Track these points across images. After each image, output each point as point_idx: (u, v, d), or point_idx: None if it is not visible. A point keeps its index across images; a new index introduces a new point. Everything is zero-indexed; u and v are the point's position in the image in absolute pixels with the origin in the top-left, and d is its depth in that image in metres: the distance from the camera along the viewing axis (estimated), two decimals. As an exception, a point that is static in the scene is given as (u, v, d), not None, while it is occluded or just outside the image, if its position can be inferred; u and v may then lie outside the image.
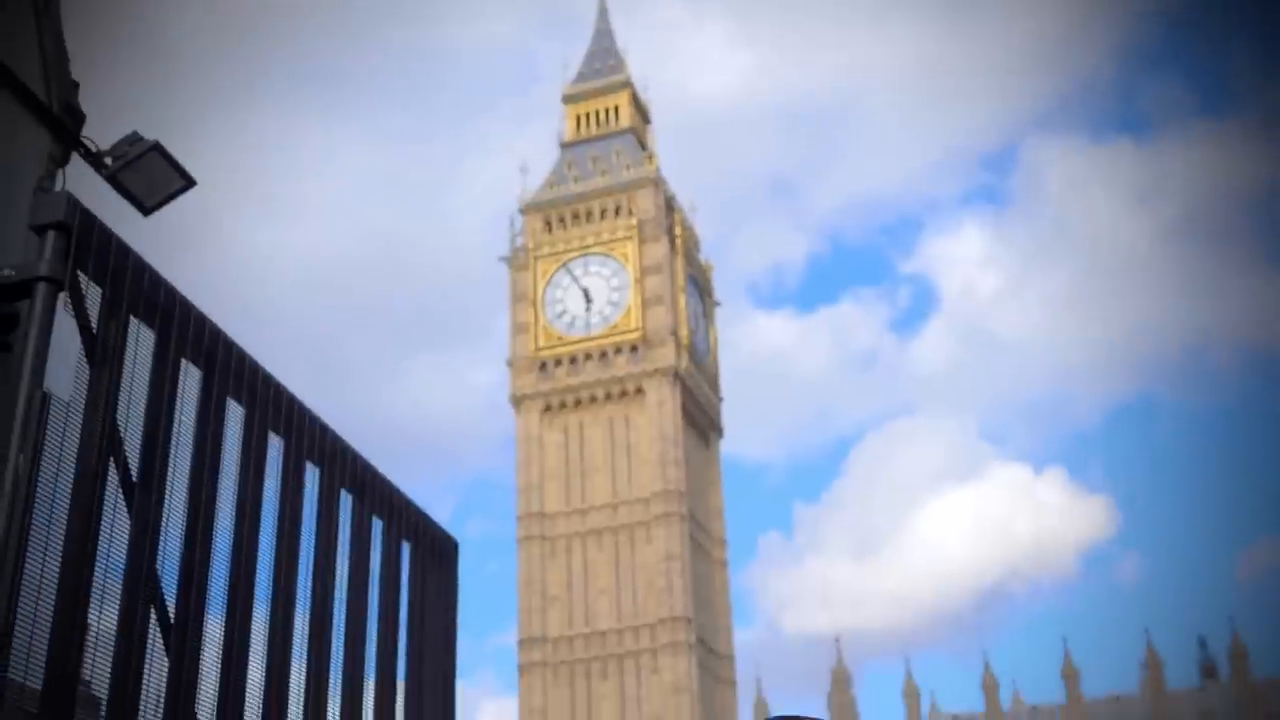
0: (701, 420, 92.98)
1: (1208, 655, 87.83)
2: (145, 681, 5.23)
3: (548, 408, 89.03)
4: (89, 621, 4.99)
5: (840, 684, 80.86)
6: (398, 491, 7.48)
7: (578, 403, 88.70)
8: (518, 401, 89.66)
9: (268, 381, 6.20)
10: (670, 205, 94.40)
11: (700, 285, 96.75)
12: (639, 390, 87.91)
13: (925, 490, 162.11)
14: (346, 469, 6.97)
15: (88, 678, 4.96)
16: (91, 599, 5.00)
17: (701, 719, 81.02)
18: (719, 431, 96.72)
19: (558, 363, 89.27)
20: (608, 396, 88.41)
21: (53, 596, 4.86)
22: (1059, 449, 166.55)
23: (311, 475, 6.66)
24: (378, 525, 7.27)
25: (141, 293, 5.37)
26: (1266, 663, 76.73)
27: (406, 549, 7.56)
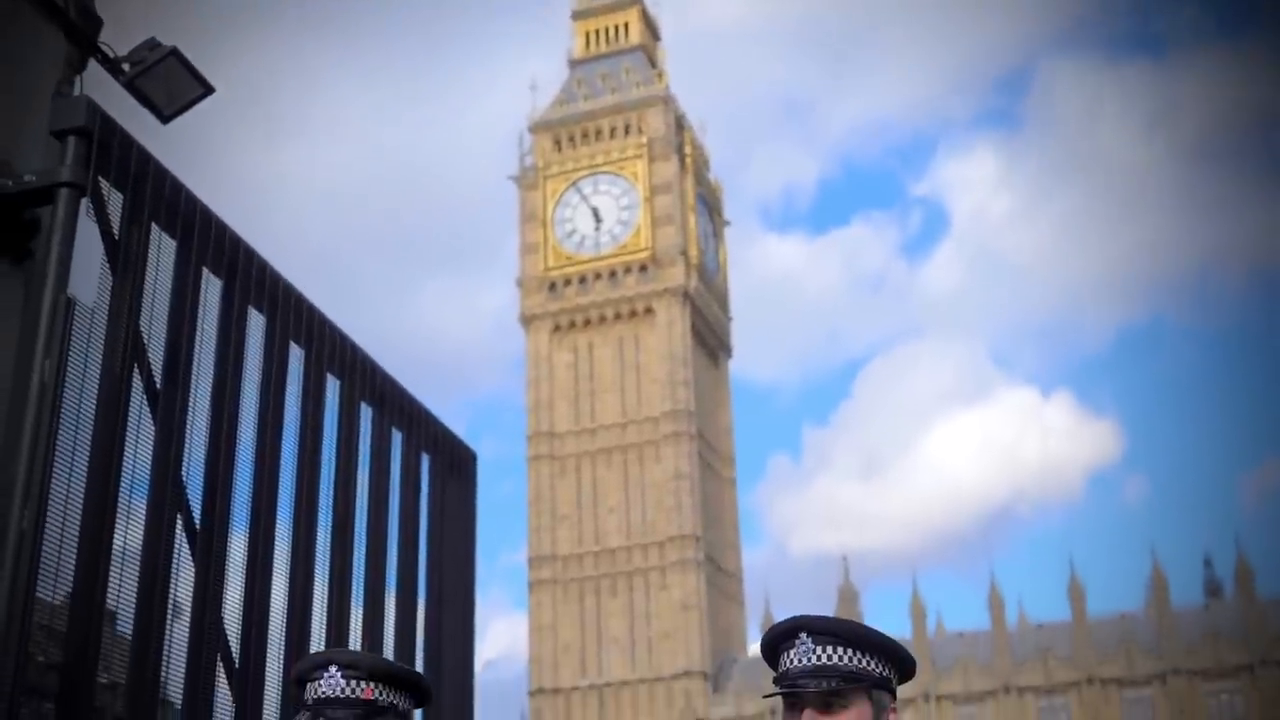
0: (711, 340, 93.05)
1: (1213, 575, 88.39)
2: (172, 590, 5.26)
3: (557, 327, 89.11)
4: (116, 530, 5.01)
5: (847, 601, 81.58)
6: (417, 403, 7.47)
7: (587, 322, 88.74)
8: (527, 321, 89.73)
9: (289, 292, 6.17)
10: (680, 124, 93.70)
11: (710, 204, 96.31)
12: (648, 310, 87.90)
13: (933, 413, 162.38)
14: (366, 380, 6.96)
15: (115, 588, 4.98)
16: (119, 507, 5.02)
17: (710, 636, 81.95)
18: (728, 351, 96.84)
19: (567, 282, 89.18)
20: (617, 316, 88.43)
21: (79, 503, 4.88)
22: (1067, 372, 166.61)
23: (332, 386, 6.65)
24: (397, 437, 7.28)
25: (163, 200, 5.33)
26: (1272, 582, 77.38)
27: (426, 461, 7.57)
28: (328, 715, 2.75)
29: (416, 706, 2.93)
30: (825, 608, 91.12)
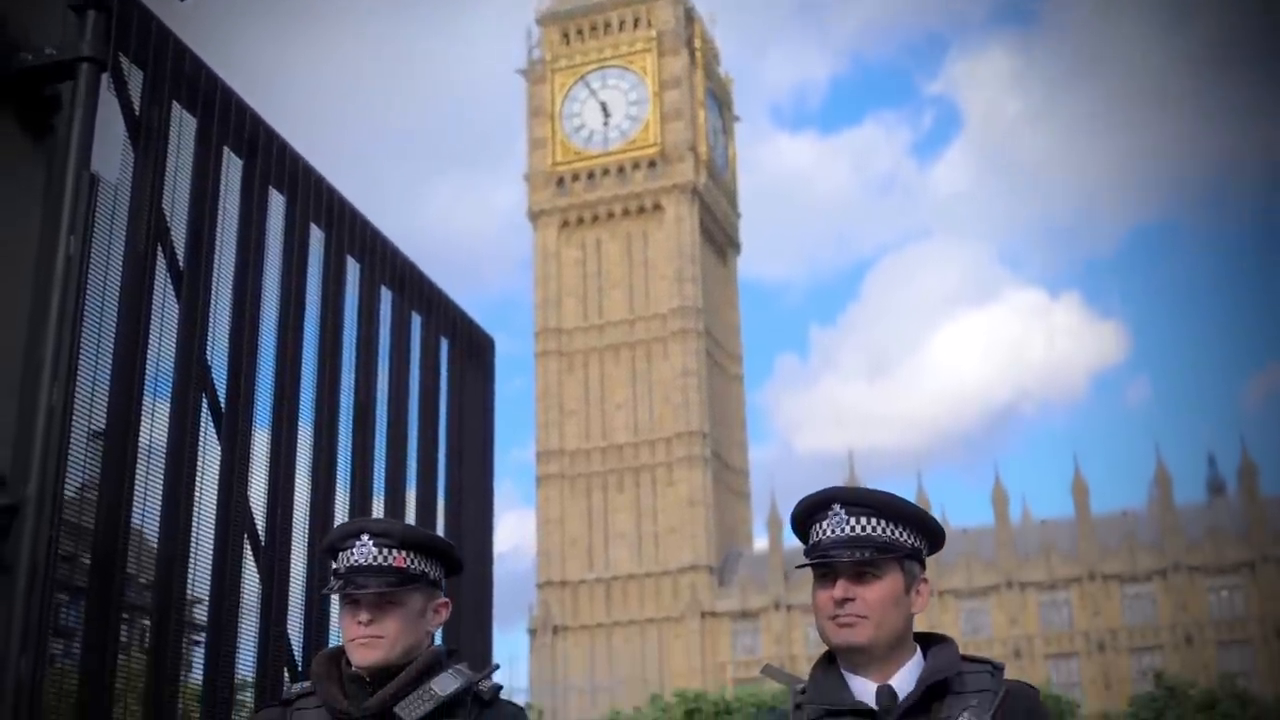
0: (719, 236, 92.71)
1: (1216, 473, 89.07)
2: (200, 470, 5.29)
3: (565, 223, 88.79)
4: (143, 409, 5.02)
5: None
6: (436, 288, 7.46)
7: (595, 218, 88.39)
8: (535, 217, 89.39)
9: (309, 173, 6.13)
10: (690, 17, 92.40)
11: (720, 100, 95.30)
12: (657, 206, 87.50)
13: (940, 313, 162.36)
14: (386, 264, 6.93)
15: (143, 470, 5.01)
16: (145, 389, 5.03)
17: (716, 531, 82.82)
18: (736, 248, 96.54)
19: (575, 178, 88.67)
20: (625, 212, 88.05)
21: (107, 382, 4.88)
22: (1076, 274, 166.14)
23: (352, 269, 6.63)
24: (417, 321, 7.27)
25: (184, 77, 5.27)
26: (1276, 480, 77.82)
27: (445, 346, 7.57)
28: (358, 583, 2.75)
29: (447, 576, 2.93)
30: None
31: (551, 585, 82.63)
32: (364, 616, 2.76)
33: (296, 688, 2.91)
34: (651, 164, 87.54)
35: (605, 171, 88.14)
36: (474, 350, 7.92)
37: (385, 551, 2.78)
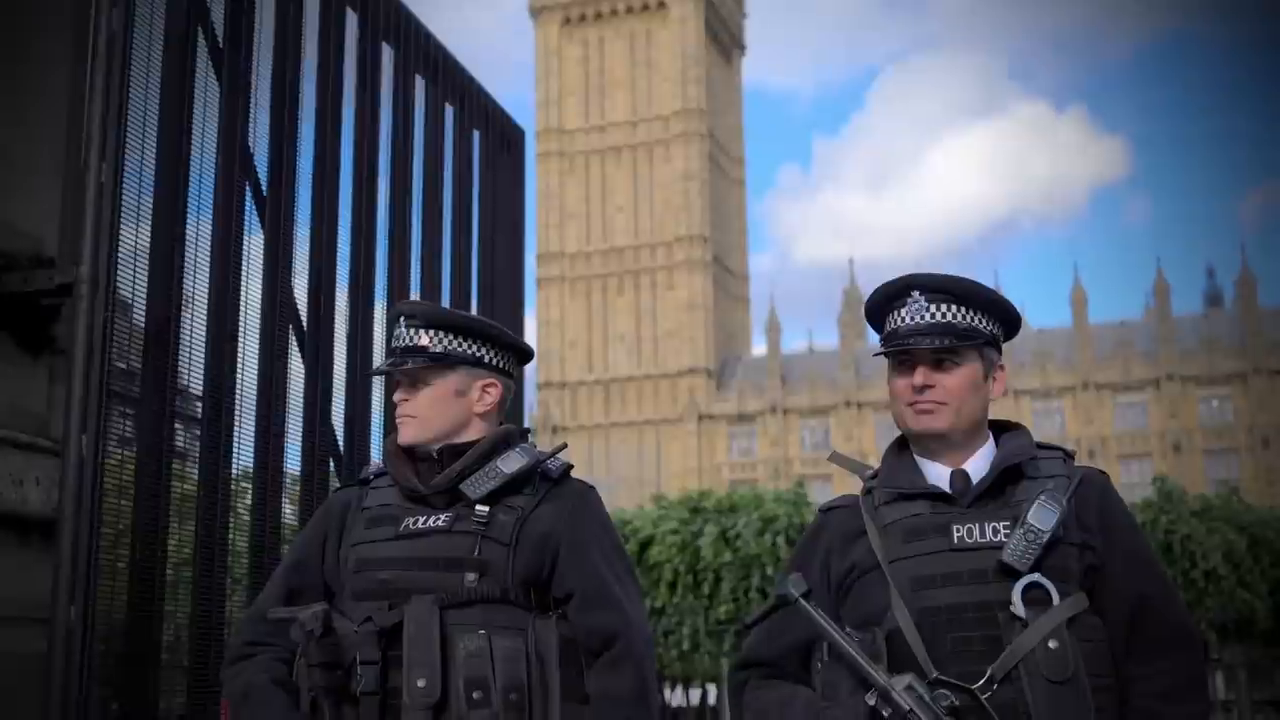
0: (724, 36, 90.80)
1: (1215, 285, 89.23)
2: (245, 257, 5.23)
3: (567, 20, 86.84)
4: (190, 193, 4.94)
5: (852, 304, 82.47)
6: (469, 75, 7.29)
7: (598, 15, 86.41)
8: (536, 13, 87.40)
9: (344, -46, 5.91)
10: None
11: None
12: (661, 4, 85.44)
13: (944, 125, 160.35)
14: (420, 50, 6.76)
15: (190, 258, 4.95)
16: (190, 169, 4.94)
17: (715, 335, 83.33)
18: (742, 49, 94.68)
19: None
20: (629, 10, 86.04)
21: (154, 162, 4.79)
22: (1084, 87, 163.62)
23: (387, 55, 6.47)
24: (450, 112, 7.13)
25: None
26: (1274, 291, 77.96)
27: (477, 137, 7.44)
28: (395, 364, 2.83)
29: (503, 361, 2.92)
30: (830, 311, 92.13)
31: (551, 386, 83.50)
32: (399, 395, 2.85)
33: (373, 468, 2.95)
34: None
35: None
36: (505, 140, 7.80)
37: (413, 332, 2.83)
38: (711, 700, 30.35)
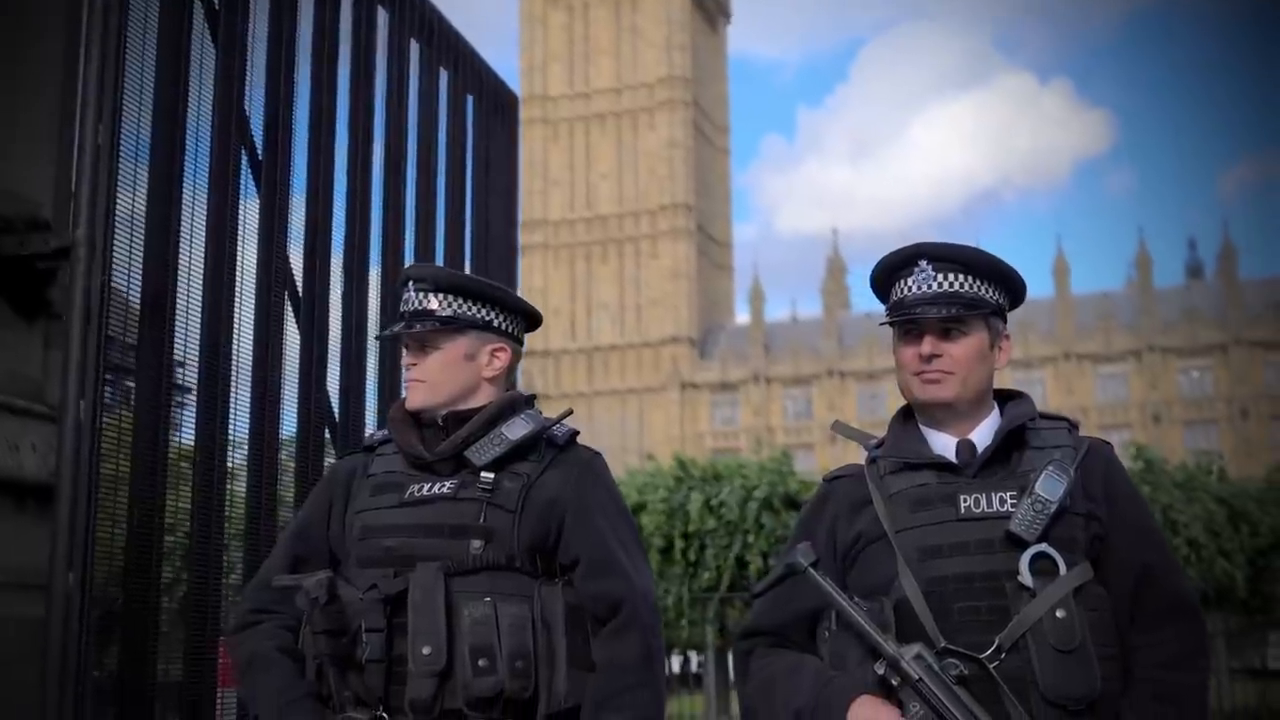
0: (709, 4, 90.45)
1: (1196, 257, 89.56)
2: (241, 222, 5.20)
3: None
4: (185, 160, 4.90)
5: (835, 273, 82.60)
6: (463, 40, 7.24)
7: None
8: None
9: (340, -86, 5.85)
10: None
11: None
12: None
13: (928, 97, 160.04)
14: (415, 14, 6.71)
15: (186, 224, 4.91)
16: (186, 132, 4.90)
17: (699, 304, 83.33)
18: (727, 16, 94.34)
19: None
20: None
21: (149, 126, 4.75)
22: (1069, 60, 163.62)
23: (382, 18, 6.42)
24: (444, 76, 7.08)
25: None
26: (1254, 263, 78.22)
27: (471, 102, 7.41)
28: (406, 327, 2.82)
29: (498, 315, 2.90)
30: (813, 281, 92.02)
31: (534, 354, 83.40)
32: (408, 359, 2.83)
33: (378, 435, 2.93)
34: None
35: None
36: (499, 106, 7.76)
37: (422, 295, 2.81)
38: (694, 668, 30.50)
